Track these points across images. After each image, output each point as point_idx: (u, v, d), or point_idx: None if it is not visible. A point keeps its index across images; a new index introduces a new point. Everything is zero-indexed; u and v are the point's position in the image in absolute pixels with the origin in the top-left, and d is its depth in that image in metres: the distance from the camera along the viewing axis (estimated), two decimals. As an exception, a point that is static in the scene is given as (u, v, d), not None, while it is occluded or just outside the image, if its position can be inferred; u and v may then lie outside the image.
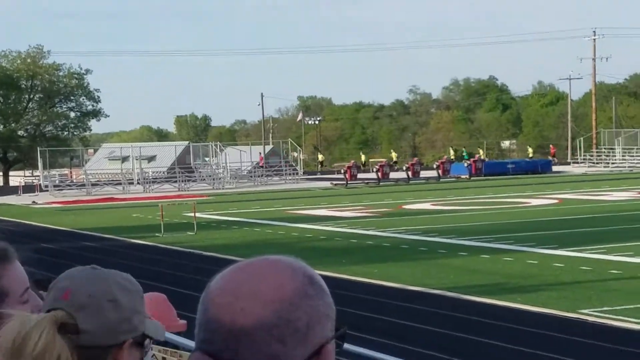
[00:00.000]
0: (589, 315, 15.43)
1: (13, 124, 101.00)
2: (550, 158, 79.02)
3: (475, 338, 14.17)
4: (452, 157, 74.78)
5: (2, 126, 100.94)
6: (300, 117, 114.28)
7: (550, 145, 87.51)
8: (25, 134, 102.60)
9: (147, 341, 2.33)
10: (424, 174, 67.70)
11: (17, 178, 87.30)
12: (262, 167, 74.72)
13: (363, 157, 70.91)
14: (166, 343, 9.09)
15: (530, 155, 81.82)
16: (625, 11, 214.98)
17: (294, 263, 1.70)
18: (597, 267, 20.69)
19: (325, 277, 1.72)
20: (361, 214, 37.95)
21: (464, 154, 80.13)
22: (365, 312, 16.08)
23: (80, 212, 46.26)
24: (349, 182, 62.81)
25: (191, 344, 8.54)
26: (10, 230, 37.43)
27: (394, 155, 76.25)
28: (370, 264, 22.76)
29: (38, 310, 2.35)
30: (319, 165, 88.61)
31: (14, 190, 70.71)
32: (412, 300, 17.64)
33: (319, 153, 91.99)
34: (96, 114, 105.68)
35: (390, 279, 20.22)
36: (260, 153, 77.26)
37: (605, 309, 15.82)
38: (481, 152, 76.54)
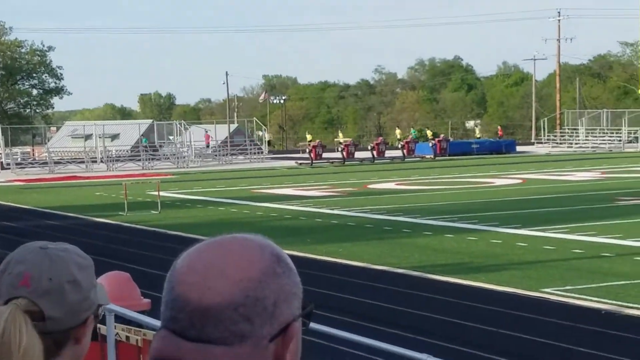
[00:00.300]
0: (551, 294, 15.56)
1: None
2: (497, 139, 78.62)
3: (439, 317, 14.24)
4: (399, 138, 74.43)
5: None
6: (263, 96, 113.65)
7: (498, 127, 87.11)
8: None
9: (100, 309, 2.33)
10: (389, 153, 67.72)
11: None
12: (208, 145, 74.25)
13: (309, 137, 70.75)
14: (130, 322, 9.08)
15: (478, 135, 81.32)
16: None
17: (261, 241, 1.69)
18: (560, 246, 20.82)
19: (290, 256, 1.70)
20: (326, 193, 37.89)
21: (413, 134, 79.39)
22: (330, 290, 16.11)
23: (43, 191, 45.93)
24: (314, 161, 62.76)
25: (155, 322, 8.48)
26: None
27: (341, 136, 76.06)
28: (334, 243, 22.75)
29: None
30: (267, 144, 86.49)
31: (-25, 168, 69.99)
32: (376, 279, 17.68)
33: (263, 132, 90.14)
34: (59, 91, 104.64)
35: (354, 258, 20.25)
36: (206, 131, 76.39)
37: (568, 287, 15.93)
38: (429, 133, 76.41)
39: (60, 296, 2.18)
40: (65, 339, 2.21)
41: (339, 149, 66.83)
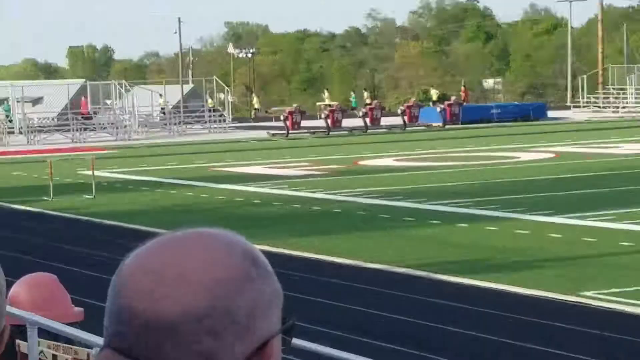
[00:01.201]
0: (593, 298, 15.52)
1: None
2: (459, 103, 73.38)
3: (449, 328, 14.28)
4: (434, 99, 73.57)
5: None
6: (230, 49, 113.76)
7: (462, 87, 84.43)
8: None
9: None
10: (386, 121, 67.73)
11: None
12: (84, 115, 72.07)
13: (326, 99, 71.01)
14: (57, 337, 9.08)
15: (434, 99, 78.32)
16: None
17: (232, 238, 1.67)
18: (603, 238, 20.68)
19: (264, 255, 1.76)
20: (306, 172, 37.83)
21: (352, 100, 77.30)
22: (312, 296, 16.12)
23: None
24: (290, 131, 62.59)
25: (89, 337, 8.51)
26: None
27: (326, 98, 75.91)
28: (316, 235, 22.79)
29: None
30: (253, 112, 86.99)
31: None
32: (370, 281, 17.64)
33: (252, 94, 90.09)
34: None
35: (341, 254, 20.24)
36: (83, 98, 74.62)
37: (613, 290, 15.90)
38: (434, 94, 75.69)
39: None
40: None
41: (322, 116, 66.79)
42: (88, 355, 8.69)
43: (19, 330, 9.03)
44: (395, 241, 21.77)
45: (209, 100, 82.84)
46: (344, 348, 9.56)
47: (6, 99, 73.18)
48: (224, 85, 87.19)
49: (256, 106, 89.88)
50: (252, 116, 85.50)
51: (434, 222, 24.16)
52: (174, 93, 78.96)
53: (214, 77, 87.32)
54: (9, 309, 9.38)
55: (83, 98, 74.44)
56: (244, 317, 1.61)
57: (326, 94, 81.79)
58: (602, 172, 33.37)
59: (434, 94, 76.90)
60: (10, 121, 69.23)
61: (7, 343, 2.43)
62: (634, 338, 13.40)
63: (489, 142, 49.85)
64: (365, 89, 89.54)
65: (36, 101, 76.91)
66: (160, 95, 76.39)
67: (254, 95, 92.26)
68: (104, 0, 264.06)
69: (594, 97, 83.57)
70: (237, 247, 1.67)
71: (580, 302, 15.42)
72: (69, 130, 67.74)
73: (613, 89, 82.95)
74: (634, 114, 74.20)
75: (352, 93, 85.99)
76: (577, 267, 18.09)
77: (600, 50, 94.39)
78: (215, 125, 72.88)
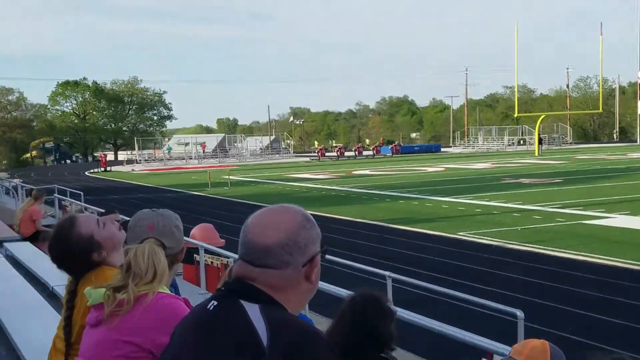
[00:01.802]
0: (464, 236, 15.35)
1: (119, 124, 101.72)
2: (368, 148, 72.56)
3: (394, 249, 14.06)
4: (380, 144, 73.74)
5: (113, 124, 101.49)
6: (291, 119, 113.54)
7: (381, 138, 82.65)
8: (127, 130, 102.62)
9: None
10: (365, 153, 67.50)
11: (122, 155, 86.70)
12: (204, 151, 70.08)
13: (316, 143, 70.84)
14: (213, 253, 9.05)
15: (367, 144, 75.40)
16: (482, 56, 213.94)
17: (297, 207, 1.70)
18: (468, 207, 20.55)
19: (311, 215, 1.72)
20: (327, 177, 37.44)
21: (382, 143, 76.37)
22: (332, 234, 15.75)
23: (160, 176, 45.86)
24: (320, 158, 62.48)
25: (229, 253, 8.47)
26: (120, 187, 36.98)
27: (316, 143, 75.57)
28: (333, 206, 22.41)
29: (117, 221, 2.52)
30: (292, 148, 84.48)
31: (120, 163, 70.33)
32: (357, 227, 17.43)
33: (289, 141, 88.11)
34: (169, 117, 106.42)
35: (345, 214, 19.95)
36: (204, 143, 73.26)
37: (473, 231, 15.77)
38: (367, 141, 75.70)
39: (171, 234, 2.31)
40: (174, 259, 2.33)
41: (335, 150, 66.29)
42: (227, 262, 8.70)
43: (195, 250, 9.05)
44: (370, 209, 21.31)
45: (292, 142, 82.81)
46: (346, 258, 9.48)
47: (187, 144, 73.23)
48: (290, 136, 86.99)
49: (291, 145, 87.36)
50: (290, 152, 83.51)
51: (388, 200, 23.77)
52: (265, 140, 78.95)
53: (285, 132, 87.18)
54: (190, 239, 9.40)
55: (204, 144, 73.03)
56: (303, 245, 1.61)
57: (315, 142, 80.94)
58: (467, 177, 33.10)
59: (367, 140, 76.56)
60: (169, 151, 69.22)
61: (189, 255, 2.46)
62: (482, 254, 13.23)
63: (413, 163, 49.29)
64: (337, 141, 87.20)
65: (202, 144, 76.48)
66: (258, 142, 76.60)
67: (290, 140, 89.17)
68: (235, 97, 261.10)
69: (462, 142, 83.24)
70: (298, 211, 1.67)
71: (457, 237, 15.15)
72: (217, 157, 67.75)
73: (472, 138, 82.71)
74: (481, 149, 73.74)
75: (333, 141, 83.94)
76: (456, 221, 17.79)
77: (466, 120, 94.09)
78: (285, 155, 72.58)
